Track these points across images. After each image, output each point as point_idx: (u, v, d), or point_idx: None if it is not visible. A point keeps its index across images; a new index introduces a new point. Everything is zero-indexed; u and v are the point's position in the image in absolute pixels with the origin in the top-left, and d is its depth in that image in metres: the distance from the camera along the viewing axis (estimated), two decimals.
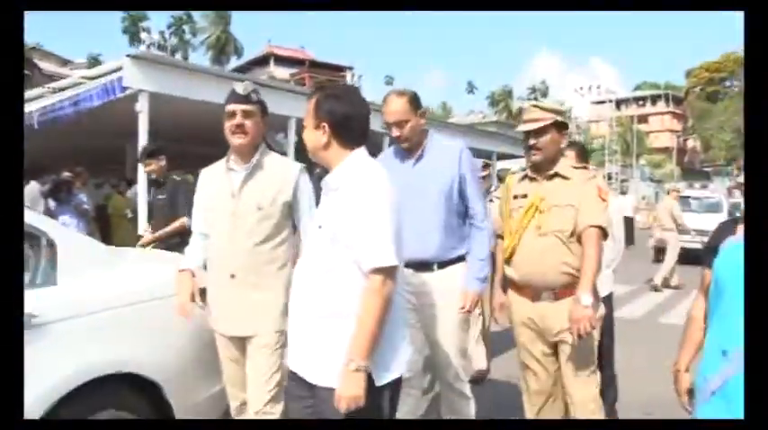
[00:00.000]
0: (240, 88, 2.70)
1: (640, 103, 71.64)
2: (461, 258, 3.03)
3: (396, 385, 2.05)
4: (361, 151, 2.14)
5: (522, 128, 2.91)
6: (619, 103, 66.72)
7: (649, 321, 7.72)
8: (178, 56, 50.19)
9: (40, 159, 8.87)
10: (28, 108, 8.12)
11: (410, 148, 3.04)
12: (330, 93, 2.12)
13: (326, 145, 2.09)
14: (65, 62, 62.39)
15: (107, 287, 2.44)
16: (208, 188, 2.84)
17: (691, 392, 2.22)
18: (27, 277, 2.39)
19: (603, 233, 2.73)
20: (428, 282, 2.99)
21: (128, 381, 2.53)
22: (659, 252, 13.73)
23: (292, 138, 10.17)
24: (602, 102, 58.06)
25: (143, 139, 7.92)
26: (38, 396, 2.17)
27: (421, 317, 3.03)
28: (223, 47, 61.05)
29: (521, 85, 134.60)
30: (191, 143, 10.28)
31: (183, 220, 5.18)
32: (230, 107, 2.69)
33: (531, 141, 2.86)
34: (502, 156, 19.71)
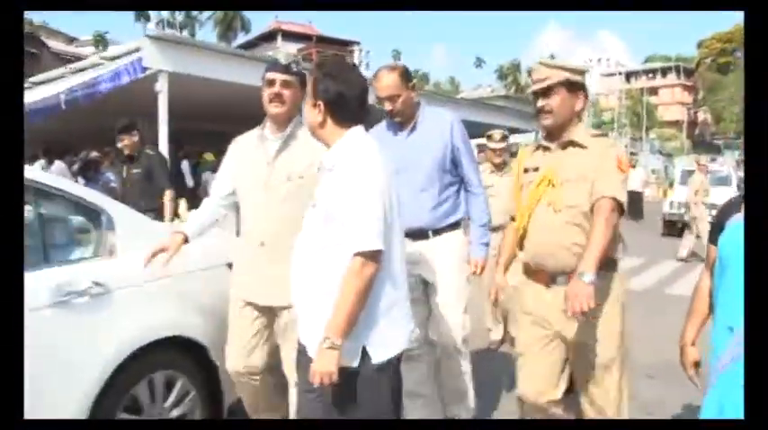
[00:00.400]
0: (282, 57, 2.73)
1: (650, 75, 70.98)
2: (456, 225, 3.13)
3: (396, 362, 2.09)
4: (357, 130, 2.14)
5: (531, 89, 2.64)
6: (628, 76, 66.15)
7: (657, 292, 7.93)
8: (185, 32, 50.02)
9: (64, 139, 9.09)
10: (53, 89, 8.35)
11: (403, 122, 3.06)
12: (326, 71, 2.13)
13: (322, 123, 2.12)
14: (71, 40, 62.20)
15: (159, 258, 2.65)
16: (240, 156, 2.84)
17: (697, 364, 2.28)
18: (90, 250, 2.64)
19: (620, 207, 2.39)
20: (424, 249, 3.04)
21: (179, 344, 2.77)
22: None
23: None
24: (612, 74, 57.58)
25: (163, 119, 8.15)
26: (106, 358, 2.42)
27: (415, 286, 2.97)
28: (230, 22, 60.71)
29: (529, 58, 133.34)
30: (208, 121, 10.52)
31: (168, 193, 5.44)
32: (270, 75, 2.69)
33: (540, 103, 2.57)
34: (512, 131, 19.83)
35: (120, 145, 5.64)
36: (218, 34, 60.81)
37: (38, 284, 2.28)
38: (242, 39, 63.58)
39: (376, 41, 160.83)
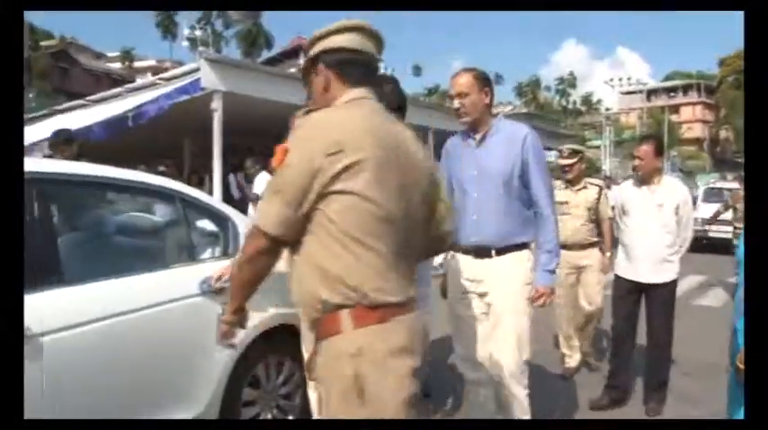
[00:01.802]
0: None
1: (671, 93, 71.01)
2: (522, 245, 2.91)
3: None
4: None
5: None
6: (649, 94, 66.25)
7: (682, 304, 8.30)
8: (211, 49, 51.16)
9: (128, 155, 9.67)
10: (117, 109, 8.97)
11: (473, 127, 2.97)
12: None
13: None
14: (98, 56, 63.99)
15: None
16: None
17: None
18: (220, 250, 3.14)
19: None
20: (486, 268, 2.91)
21: (285, 332, 3.25)
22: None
23: (431, 145, 11.77)
24: (632, 92, 57.72)
25: (217, 135, 8.73)
26: (242, 337, 2.90)
27: (478, 305, 2.96)
28: (254, 39, 61.97)
29: (548, 75, 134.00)
30: (258, 137, 11.13)
31: None
32: None
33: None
34: None
35: (61, 156, 5.14)
36: (242, 51, 62.01)
37: (189, 277, 2.79)
38: (265, 55, 64.83)
39: (396, 57, 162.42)
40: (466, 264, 2.97)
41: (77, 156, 5.33)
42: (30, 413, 2.16)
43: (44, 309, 2.24)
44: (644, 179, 4.03)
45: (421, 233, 1.79)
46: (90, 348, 2.34)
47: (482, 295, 2.92)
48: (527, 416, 2.91)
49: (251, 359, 3.07)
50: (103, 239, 3.11)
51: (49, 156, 5.23)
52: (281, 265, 1.79)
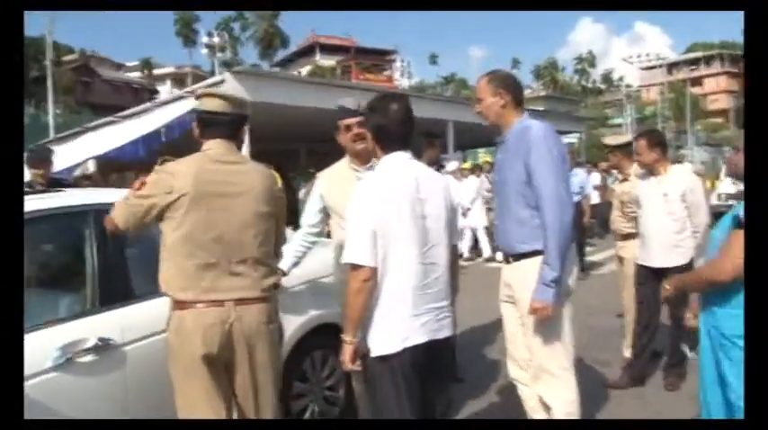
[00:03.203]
0: (351, 104, 3.07)
1: (693, 65, 69.82)
2: (535, 253, 2.81)
3: (396, 358, 2.30)
4: (391, 157, 2.44)
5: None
6: (670, 68, 65.20)
7: None
8: (228, 53, 51.77)
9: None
10: (147, 124, 9.38)
11: (498, 131, 3.05)
12: (370, 106, 2.54)
13: (373, 151, 2.54)
14: (118, 66, 65.01)
15: (315, 262, 3.44)
16: (332, 188, 3.15)
17: None
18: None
19: None
20: (510, 273, 2.98)
21: (329, 330, 3.53)
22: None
23: (451, 138, 12.85)
24: (652, 67, 56.87)
25: (246, 144, 9.08)
26: (290, 336, 3.23)
27: (511, 308, 3.05)
28: (270, 40, 62.44)
29: (566, 56, 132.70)
30: (282, 141, 11.58)
31: None
32: (347, 121, 3.06)
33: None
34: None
35: (35, 174, 5.24)
36: (258, 53, 62.58)
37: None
38: (281, 55, 65.38)
39: (412, 46, 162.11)
40: (502, 267, 3.11)
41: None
42: (115, 414, 2.51)
43: (124, 322, 2.58)
44: (651, 171, 4.33)
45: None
46: (160, 356, 2.60)
47: (510, 299, 3.01)
48: (561, 417, 2.90)
49: (299, 355, 3.38)
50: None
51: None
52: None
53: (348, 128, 3.07)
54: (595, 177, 13.42)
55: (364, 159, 3.08)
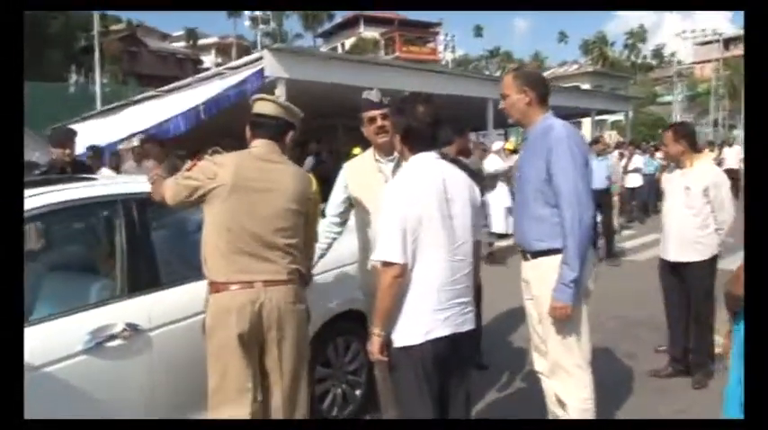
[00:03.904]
0: (374, 97, 3.12)
1: None
2: (553, 252, 2.83)
3: (418, 349, 2.41)
4: (420, 157, 2.53)
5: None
6: (727, 43, 62.68)
7: None
8: (273, 24, 51.91)
9: (199, 141, 10.22)
10: (189, 99, 9.53)
11: (522, 127, 3.10)
12: (397, 107, 2.62)
13: (401, 151, 2.64)
14: (164, 36, 65.94)
15: (339, 250, 3.49)
16: (358, 178, 3.23)
17: None
18: None
19: None
20: (528, 270, 3.02)
21: (351, 316, 3.62)
22: None
23: (491, 116, 12.95)
24: (708, 43, 54.77)
25: None
26: (313, 322, 3.28)
27: (530, 304, 3.09)
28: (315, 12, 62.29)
29: (615, 30, 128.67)
30: (319, 117, 11.65)
31: None
32: (370, 114, 3.11)
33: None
34: (601, 113, 19.86)
35: (63, 155, 5.28)
36: (302, 25, 62.49)
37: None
38: (326, 26, 65.17)
39: (456, 18, 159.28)
40: (521, 264, 3.11)
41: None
42: (142, 398, 2.63)
43: (151, 308, 2.69)
44: (677, 163, 4.31)
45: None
46: (185, 341, 2.75)
47: (528, 296, 3.07)
48: (575, 416, 2.92)
49: (322, 341, 3.46)
50: (187, 245, 3.52)
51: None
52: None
53: (372, 120, 3.11)
54: (638, 160, 13.09)
55: (387, 151, 3.13)
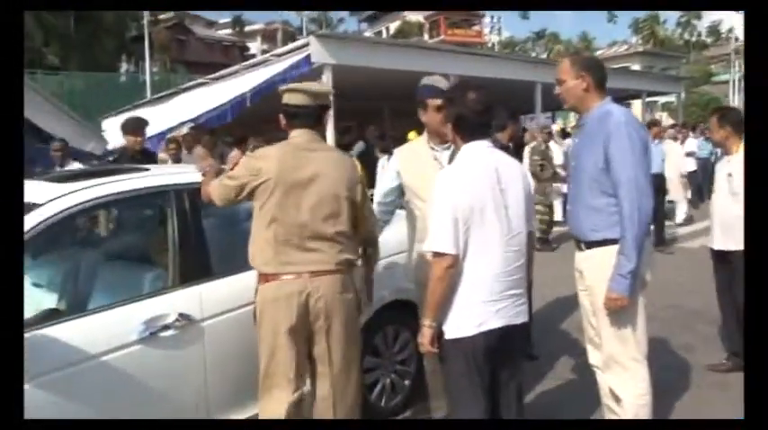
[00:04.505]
0: (442, 84, 3.06)
1: None
2: (609, 242, 2.75)
3: (470, 341, 2.39)
4: (471, 146, 2.49)
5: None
6: None
7: None
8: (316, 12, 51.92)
9: (244, 128, 10.35)
10: (236, 87, 9.63)
11: (577, 113, 3.04)
12: (449, 96, 2.63)
13: (453, 139, 2.59)
14: (210, 24, 66.75)
15: (388, 238, 3.46)
16: (411, 165, 3.18)
17: None
18: None
19: None
20: (582, 261, 2.95)
21: (400, 305, 3.59)
22: None
23: (539, 99, 12.90)
24: None
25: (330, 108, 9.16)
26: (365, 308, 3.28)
27: (584, 296, 3.03)
28: None
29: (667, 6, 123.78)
30: (365, 100, 11.67)
31: None
32: (437, 102, 3.01)
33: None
34: (651, 94, 19.25)
35: (135, 142, 5.52)
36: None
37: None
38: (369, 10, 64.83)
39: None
40: (576, 254, 3.04)
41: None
42: (194, 387, 2.66)
43: (203, 299, 2.72)
44: (725, 150, 4.23)
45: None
46: (236, 331, 2.77)
47: (582, 286, 3.00)
48: (624, 414, 2.85)
49: (372, 330, 3.44)
50: (238, 234, 3.54)
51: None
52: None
53: (440, 108, 2.99)
54: (691, 143, 12.65)
55: (444, 139, 3.06)
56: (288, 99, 2.74)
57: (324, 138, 2.81)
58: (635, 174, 2.65)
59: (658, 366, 3.12)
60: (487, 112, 2.52)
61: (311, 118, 2.73)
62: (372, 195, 3.25)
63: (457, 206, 2.34)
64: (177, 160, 7.69)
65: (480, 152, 2.48)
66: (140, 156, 5.49)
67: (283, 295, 2.53)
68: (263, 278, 2.58)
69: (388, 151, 8.62)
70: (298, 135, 2.71)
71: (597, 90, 2.85)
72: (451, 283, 2.39)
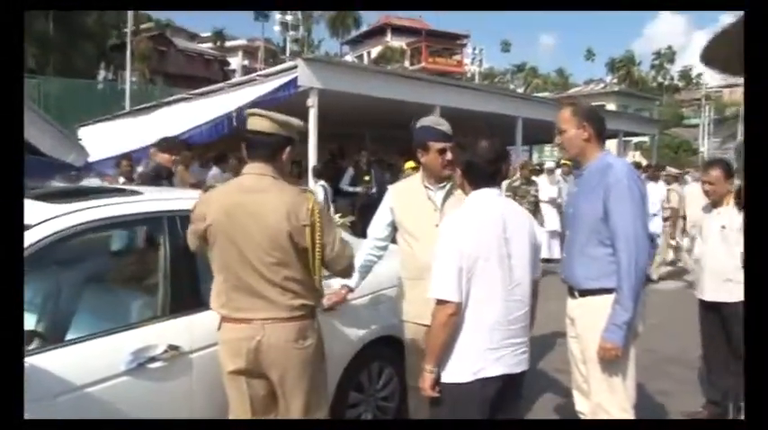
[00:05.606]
0: (446, 128, 3.08)
1: None
2: (604, 291, 2.76)
3: (467, 388, 2.37)
4: (480, 193, 2.49)
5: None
6: None
7: None
8: (302, 29, 52.08)
9: (226, 148, 10.21)
10: (219, 105, 9.56)
11: (576, 163, 3.07)
12: (460, 142, 2.64)
13: (461, 185, 2.60)
14: (192, 36, 66.51)
15: (377, 274, 3.43)
16: (404, 203, 3.19)
17: None
18: None
19: None
20: (575, 308, 2.95)
21: (385, 342, 3.54)
22: None
23: (519, 133, 12.88)
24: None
25: (313, 130, 9.14)
26: (349, 348, 3.26)
27: (575, 343, 3.02)
28: (343, 20, 62.55)
29: (643, 49, 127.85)
30: (348, 126, 11.67)
31: None
32: (440, 145, 3.03)
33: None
34: (628, 135, 19.62)
35: (169, 160, 5.59)
36: (330, 33, 62.77)
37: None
38: (353, 34, 65.38)
39: (484, 32, 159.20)
40: (568, 300, 3.05)
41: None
42: (183, 414, 2.59)
43: (193, 330, 2.65)
44: (715, 203, 4.18)
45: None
46: None
47: (573, 334, 3.00)
48: None
49: (357, 366, 3.40)
50: None
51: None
52: None
53: (442, 152, 3.04)
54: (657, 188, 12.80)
55: (440, 179, 3.11)
56: (251, 124, 2.57)
57: (282, 174, 2.58)
58: (634, 229, 2.70)
59: (635, 412, 3.11)
60: (498, 161, 2.52)
61: (269, 149, 2.53)
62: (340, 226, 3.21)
63: (462, 254, 2.34)
64: (130, 179, 7.48)
65: (488, 200, 2.48)
66: (168, 174, 5.59)
67: (232, 339, 2.49)
68: (221, 319, 2.55)
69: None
70: (248, 171, 2.55)
71: (597, 140, 2.89)
72: (453, 330, 2.36)
